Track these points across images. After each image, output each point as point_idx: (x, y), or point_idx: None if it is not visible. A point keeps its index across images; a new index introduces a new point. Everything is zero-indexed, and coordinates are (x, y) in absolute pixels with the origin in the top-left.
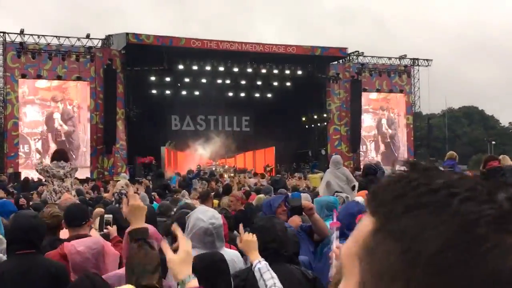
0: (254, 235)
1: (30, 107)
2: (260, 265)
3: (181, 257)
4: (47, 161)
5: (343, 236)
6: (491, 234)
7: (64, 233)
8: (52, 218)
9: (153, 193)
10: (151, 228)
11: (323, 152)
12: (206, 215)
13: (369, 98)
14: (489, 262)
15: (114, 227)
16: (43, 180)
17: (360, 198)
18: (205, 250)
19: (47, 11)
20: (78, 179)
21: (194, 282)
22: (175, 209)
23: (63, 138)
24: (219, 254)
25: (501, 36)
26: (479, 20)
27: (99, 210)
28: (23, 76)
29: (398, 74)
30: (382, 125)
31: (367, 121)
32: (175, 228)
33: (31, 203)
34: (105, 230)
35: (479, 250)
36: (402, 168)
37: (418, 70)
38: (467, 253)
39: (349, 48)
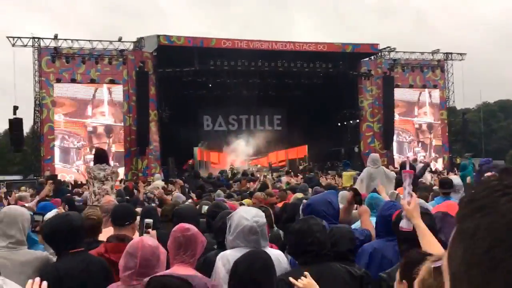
0: (310, 279)
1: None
2: None
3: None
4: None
5: (386, 236)
6: None
7: (103, 236)
8: (86, 220)
9: (192, 194)
10: (194, 229)
11: (356, 149)
12: (249, 213)
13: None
14: None
15: (154, 231)
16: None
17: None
18: (249, 249)
19: (84, 12)
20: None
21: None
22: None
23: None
24: (266, 253)
25: None
26: None
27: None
28: (58, 80)
29: (431, 69)
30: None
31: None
32: None
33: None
34: (144, 234)
35: None
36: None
37: (452, 65)
38: None
39: (389, 42)
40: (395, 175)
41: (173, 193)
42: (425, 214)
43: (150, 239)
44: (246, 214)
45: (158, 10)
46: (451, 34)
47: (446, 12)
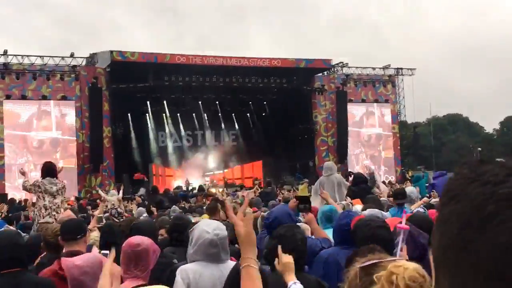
0: (291, 256)
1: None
2: (296, 286)
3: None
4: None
5: (342, 244)
6: (501, 210)
7: None
8: (55, 236)
9: (152, 208)
10: (145, 243)
11: (311, 163)
12: (210, 226)
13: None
14: (501, 234)
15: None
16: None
17: (358, 206)
18: (209, 263)
19: (38, 27)
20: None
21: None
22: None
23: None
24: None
25: (486, 44)
26: (468, 27)
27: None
28: (8, 97)
29: (383, 84)
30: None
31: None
32: None
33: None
34: None
35: (491, 225)
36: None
37: (402, 79)
38: (480, 229)
39: (344, 57)
40: (347, 184)
41: (132, 207)
42: (382, 228)
43: (80, 260)
44: (207, 227)
45: (113, 25)
46: (403, 48)
47: (399, 28)
